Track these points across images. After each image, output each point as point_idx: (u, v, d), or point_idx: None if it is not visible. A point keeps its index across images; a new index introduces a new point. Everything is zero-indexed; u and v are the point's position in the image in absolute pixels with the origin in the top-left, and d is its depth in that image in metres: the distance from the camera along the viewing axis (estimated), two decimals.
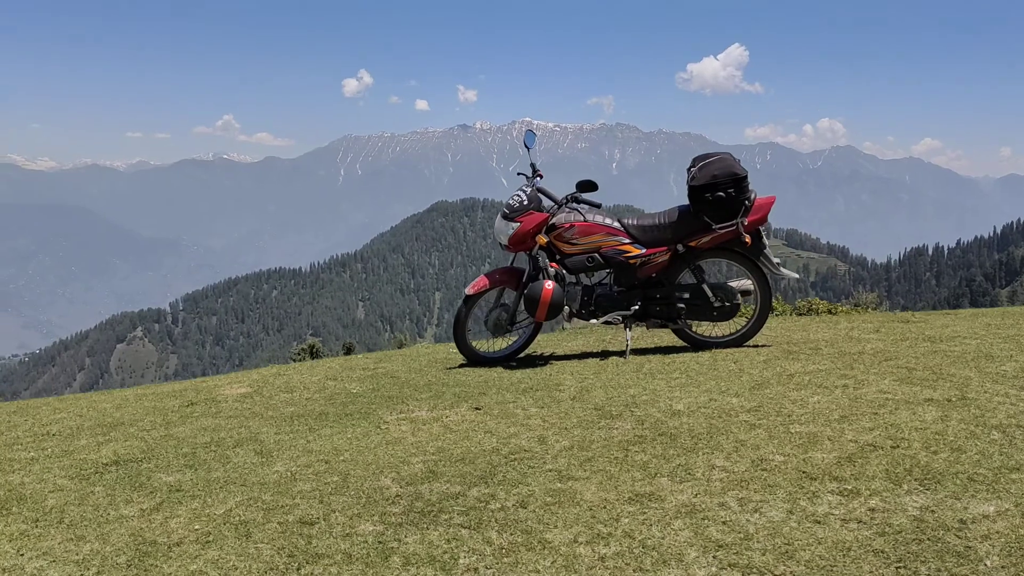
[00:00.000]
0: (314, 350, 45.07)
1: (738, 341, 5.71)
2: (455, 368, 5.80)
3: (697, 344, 5.73)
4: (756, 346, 5.66)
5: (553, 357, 5.92)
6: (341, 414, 4.57)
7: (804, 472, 3.00)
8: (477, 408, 4.42)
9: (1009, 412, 3.60)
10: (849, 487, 2.83)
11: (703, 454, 3.31)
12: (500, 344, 6.08)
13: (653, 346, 6.04)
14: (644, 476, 3.11)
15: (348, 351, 49.24)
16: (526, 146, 5.95)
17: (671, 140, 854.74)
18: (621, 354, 5.69)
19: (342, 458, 3.66)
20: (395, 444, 3.83)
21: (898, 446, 3.22)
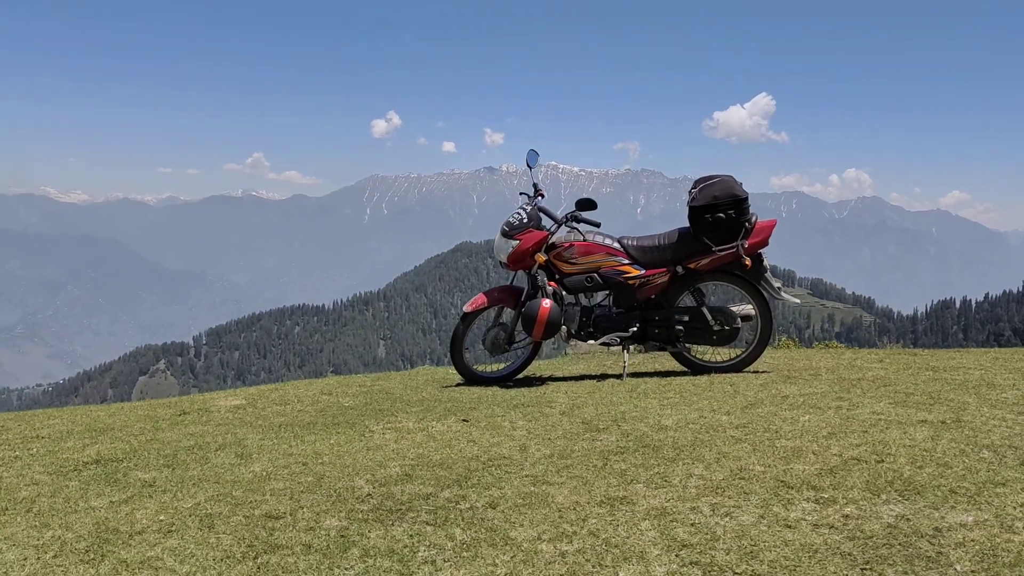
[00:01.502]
0: None
1: (738, 366, 5.62)
2: (451, 387, 5.75)
3: (696, 368, 5.65)
4: (756, 372, 5.58)
5: (550, 378, 5.86)
6: (329, 424, 4.54)
7: (782, 482, 2.92)
8: (465, 420, 4.37)
9: (1004, 434, 3.50)
10: (826, 496, 2.75)
11: (683, 464, 3.24)
12: (499, 364, 6.03)
13: (652, 370, 5.97)
14: (620, 482, 3.05)
15: None
16: (528, 165, 5.96)
17: None
18: (618, 376, 5.63)
19: (321, 461, 3.62)
20: (376, 450, 3.79)
21: (883, 460, 3.13)
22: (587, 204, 5.53)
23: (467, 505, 2.87)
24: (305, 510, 2.90)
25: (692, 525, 2.54)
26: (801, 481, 2.91)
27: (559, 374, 6.12)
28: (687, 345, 5.66)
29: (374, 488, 3.13)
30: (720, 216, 5.28)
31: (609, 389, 5.15)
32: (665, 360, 6.12)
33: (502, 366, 6.01)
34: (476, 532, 2.60)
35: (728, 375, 5.42)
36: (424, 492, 3.05)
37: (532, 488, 3.03)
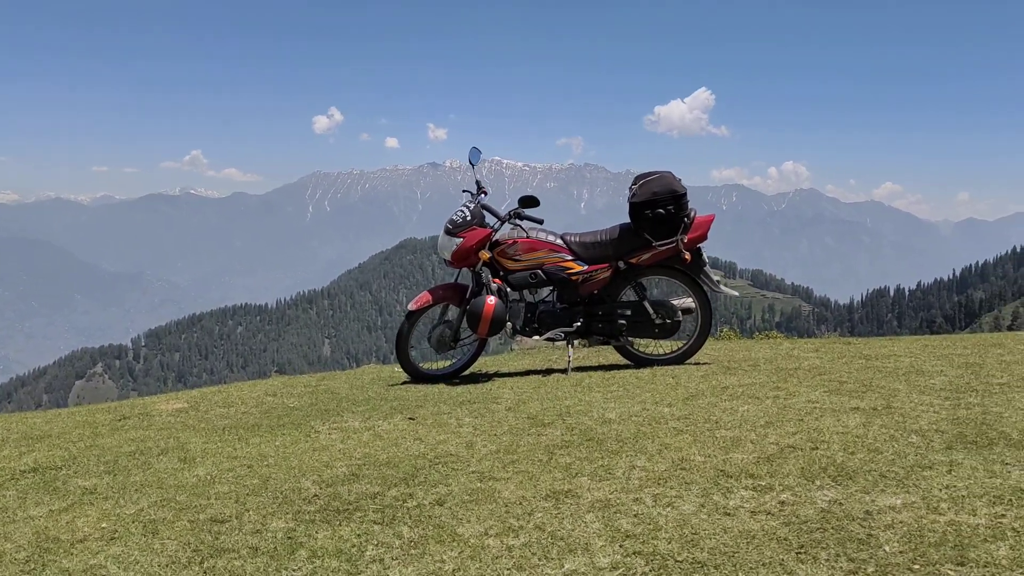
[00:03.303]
0: None
1: (679, 358, 5.73)
2: (397, 385, 5.75)
3: (639, 361, 5.74)
4: (697, 363, 5.69)
5: (496, 374, 5.90)
6: (274, 425, 4.51)
7: (722, 471, 3.01)
8: (411, 418, 4.39)
9: (931, 419, 3.65)
10: (763, 483, 2.84)
11: (626, 456, 3.31)
12: (444, 362, 6.05)
13: (596, 364, 6.05)
14: (565, 476, 3.10)
15: None
16: (471, 163, 5.99)
17: None
18: (563, 371, 5.69)
19: (266, 463, 3.60)
20: (322, 450, 3.78)
21: (817, 447, 3.24)
22: (530, 201, 5.58)
23: (414, 503, 2.89)
24: (251, 512, 2.89)
25: (635, 516, 2.60)
26: (740, 470, 3.00)
27: (505, 370, 6.16)
28: (630, 339, 5.74)
29: (321, 489, 3.13)
30: (660, 212, 5.38)
31: (554, 384, 5.21)
32: (609, 353, 6.21)
33: (448, 363, 6.03)
34: (424, 529, 2.62)
35: (670, 368, 5.53)
36: (371, 491, 3.06)
37: (479, 484, 3.06)
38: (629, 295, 5.75)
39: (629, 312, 5.65)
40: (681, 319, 5.66)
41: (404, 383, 5.83)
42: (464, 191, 6.02)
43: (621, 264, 5.59)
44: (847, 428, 3.53)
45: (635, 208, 5.43)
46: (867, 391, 4.34)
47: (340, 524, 2.72)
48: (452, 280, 5.95)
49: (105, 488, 3.35)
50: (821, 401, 4.13)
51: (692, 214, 5.48)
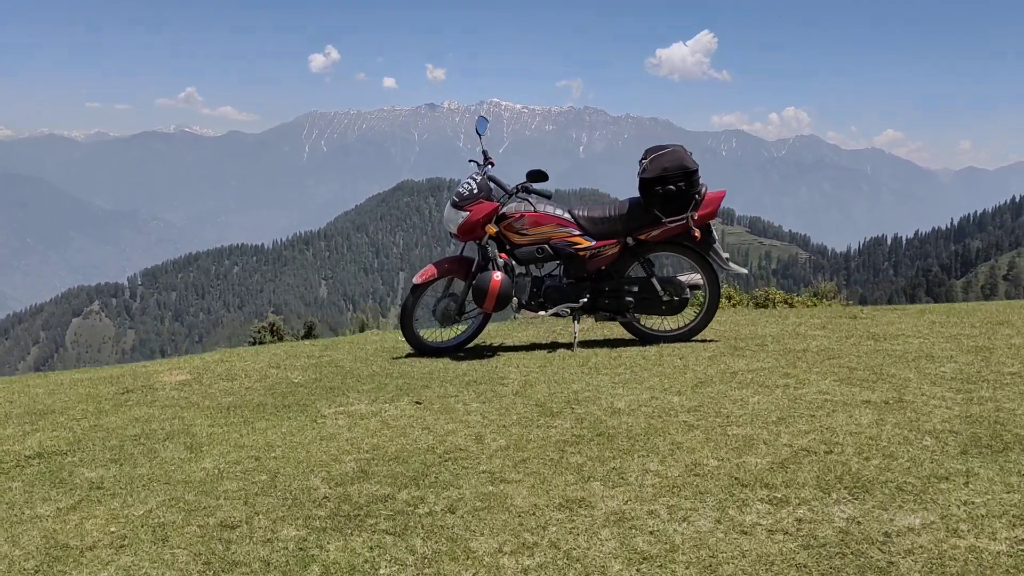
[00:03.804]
0: (274, 328, 44.51)
1: (686, 335, 5.69)
2: (401, 358, 5.72)
3: (645, 338, 5.70)
4: (704, 341, 5.65)
5: (501, 348, 5.86)
6: (279, 405, 4.48)
7: (736, 479, 2.98)
8: (418, 402, 4.35)
9: (943, 416, 3.62)
10: (779, 495, 2.81)
11: (639, 456, 3.28)
12: (449, 334, 6.00)
13: (602, 338, 6.01)
14: (577, 480, 3.07)
15: (309, 330, 48.67)
16: (477, 132, 5.86)
17: (638, 125, 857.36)
18: (569, 346, 5.65)
19: (273, 455, 3.57)
20: (329, 440, 3.75)
21: (831, 451, 3.21)
22: (538, 175, 5.47)
23: (426, 509, 2.86)
24: (261, 517, 2.87)
25: (651, 533, 2.57)
26: (754, 478, 2.97)
27: (509, 342, 6.12)
28: (636, 315, 5.69)
29: (331, 489, 3.10)
30: (670, 188, 5.28)
31: (560, 363, 5.17)
32: (614, 327, 6.16)
33: (453, 335, 5.99)
34: (437, 543, 2.59)
35: (677, 347, 5.48)
36: (382, 493, 3.03)
37: (490, 488, 3.03)
38: (637, 271, 5.68)
39: (636, 289, 5.59)
40: (689, 296, 5.60)
41: (408, 355, 5.79)
42: (471, 161, 5.91)
43: (630, 240, 5.51)
44: (860, 427, 3.50)
45: (645, 184, 5.33)
46: (878, 380, 4.31)
47: (352, 533, 2.70)
48: (458, 253, 5.87)
49: (112, 481, 3.31)
50: (832, 392, 4.09)
51: (703, 190, 5.38)
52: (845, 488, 2.84)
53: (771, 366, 4.75)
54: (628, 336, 5.84)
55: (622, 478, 3.06)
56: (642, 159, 5.44)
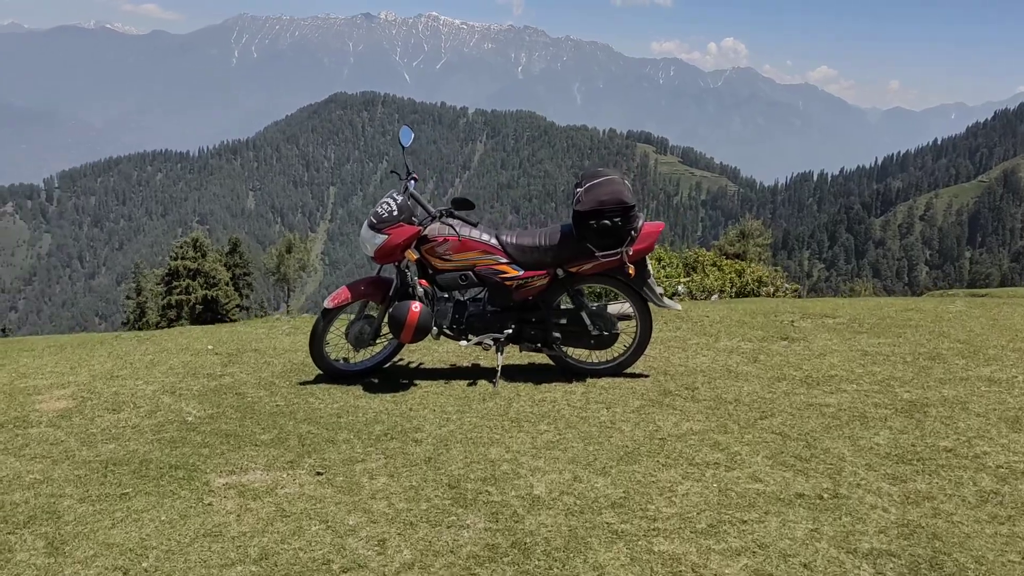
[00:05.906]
0: (198, 244, 42.98)
1: (615, 369, 5.40)
2: (310, 384, 5.30)
3: (572, 369, 5.39)
4: (634, 377, 5.38)
5: (418, 373, 5.49)
6: (165, 466, 4.04)
7: None
8: (319, 473, 3.97)
9: (880, 524, 3.41)
10: None
11: None
12: (361, 355, 5.60)
13: (527, 363, 5.69)
14: None
15: (234, 246, 47.21)
16: (401, 144, 5.37)
17: (578, 48, 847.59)
18: (491, 377, 5.31)
19: (144, 565, 3.16)
20: (214, 538, 3.35)
21: None
22: (464, 204, 5.03)
23: None
24: None
25: None
26: None
27: (427, 363, 5.75)
28: (564, 348, 5.37)
29: None
30: (605, 223, 4.90)
31: (480, 408, 4.82)
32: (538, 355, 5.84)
33: (366, 356, 5.59)
34: None
35: (605, 390, 5.17)
36: None
37: None
38: (566, 302, 5.33)
39: (565, 321, 5.25)
40: (619, 331, 5.29)
41: (317, 378, 5.39)
42: (392, 172, 5.43)
43: (560, 272, 5.14)
44: (794, 544, 3.26)
45: (579, 217, 4.94)
46: (811, 457, 4.09)
47: None
48: (374, 274, 5.42)
49: None
50: (765, 479, 3.85)
51: (640, 225, 5.02)
52: None
53: (701, 428, 4.49)
54: (551, 363, 5.53)
55: None
56: (577, 186, 5.04)
